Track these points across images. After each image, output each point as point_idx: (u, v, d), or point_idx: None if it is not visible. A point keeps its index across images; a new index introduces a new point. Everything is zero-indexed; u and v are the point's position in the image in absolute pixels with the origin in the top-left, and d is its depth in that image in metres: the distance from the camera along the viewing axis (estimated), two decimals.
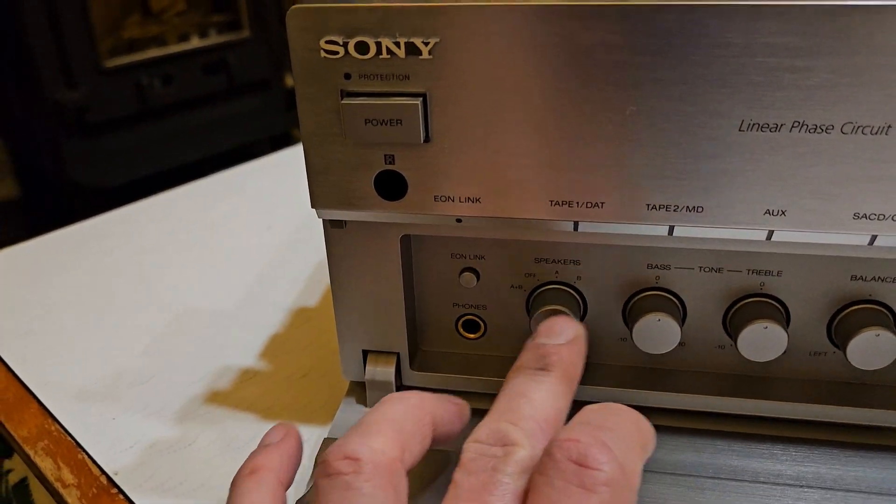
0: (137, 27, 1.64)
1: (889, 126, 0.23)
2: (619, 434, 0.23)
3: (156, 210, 0.56)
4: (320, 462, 0.23)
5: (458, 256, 0.31)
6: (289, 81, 2.06)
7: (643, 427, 0.25)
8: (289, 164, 0.64)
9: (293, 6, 0.25)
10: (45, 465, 0.33)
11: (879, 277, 0.28)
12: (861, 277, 0.28)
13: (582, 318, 0.31)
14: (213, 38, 1.74)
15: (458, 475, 0.23)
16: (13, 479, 0.40)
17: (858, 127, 0.23)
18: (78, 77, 1.53)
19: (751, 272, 0.29)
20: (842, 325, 0.29)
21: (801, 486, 0.29)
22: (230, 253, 0.49)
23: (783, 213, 0.25)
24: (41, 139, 1.63)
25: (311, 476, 0.29)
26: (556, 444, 0.22)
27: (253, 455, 0.26)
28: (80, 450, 0.34)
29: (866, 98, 0.23)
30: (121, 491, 0.32)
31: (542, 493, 0.22)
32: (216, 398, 0.36)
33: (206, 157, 1.78)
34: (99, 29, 1.55)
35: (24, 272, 0.48)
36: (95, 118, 1.58)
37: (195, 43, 1.71)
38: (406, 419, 0.25)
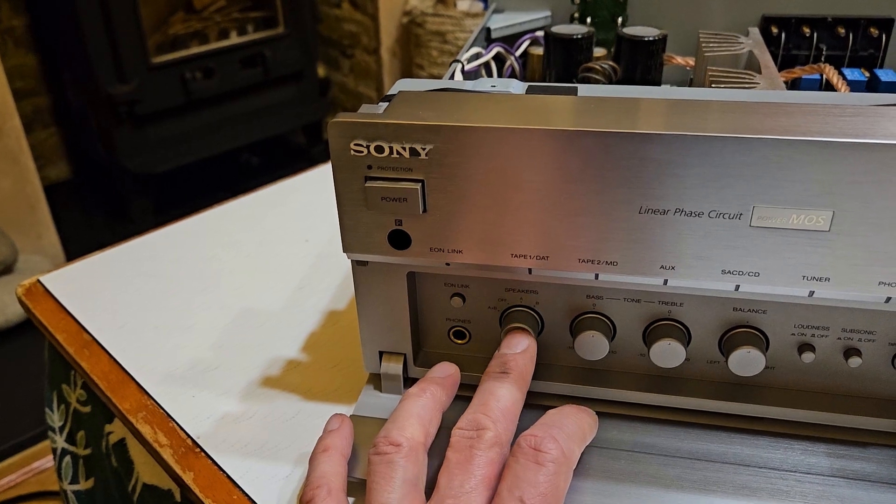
0: (181, 24, 1.76)
1: (741, 214, 0.33)
2: (566, 430, 0.35)
3: (210, 223, 0.67)
4: (373, 445, 0.35)
5: (449, 285, 0.42)
6: (321, 73, 2.16)
7: (584, 425, 0.37)
8: (318, 181, 0.73)
9: (333, 120, 0.36)
10: (145, 430, 0.45)
11: (752, 309, 0.39)
12: (740, 309, 0.39)
13: (540, 332, 0.42)
14: (251, 35, 1.85)
15: (449, 453, 0.35)
16: (113, 439, 0.52)
17: (720, 213, 0.34)
18: (129, 72, 1.66)
19: (661, 302, 0.39)
20: (726, 343, 0.39)
21: (693, 459, 0.39)
22: (276, 262, 0.61)
23: (673, 268, 0.36)
24: (95, 128, 1.76)
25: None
26: (523, 437, 0.35)
27: (322, 438, 0.38)
28: (170, 419, 0.46)
29: (723, 195, 0.33)
30: (202, 450, 0.43)
31: (512, 467, 0.34)
32: (268, 382, 0.48)
33: (244, 144, 1.89)
34: (147, 27, 1.66)
35: (113, 276, 0.60)
36: (144, 109, 1.71)
37: (234, 39, 1.83)
38: (425, 410, 0.37)
